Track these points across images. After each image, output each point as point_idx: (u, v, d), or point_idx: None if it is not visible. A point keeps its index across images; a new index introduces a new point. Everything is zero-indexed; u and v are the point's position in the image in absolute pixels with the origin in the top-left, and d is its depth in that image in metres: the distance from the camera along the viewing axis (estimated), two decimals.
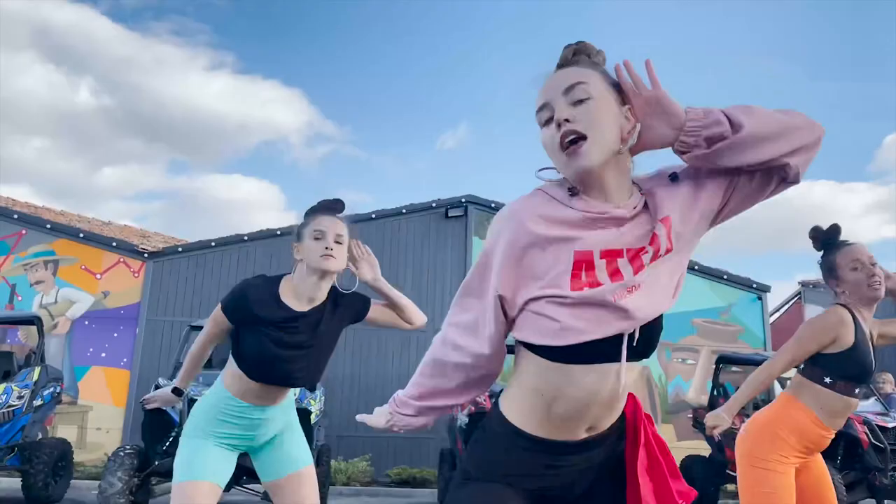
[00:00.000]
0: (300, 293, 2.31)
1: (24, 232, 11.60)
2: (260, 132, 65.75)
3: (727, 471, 7.79)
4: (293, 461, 2.42)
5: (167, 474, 5.72)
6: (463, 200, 12.43)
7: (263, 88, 53.06)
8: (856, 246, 2.64)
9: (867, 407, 7.75)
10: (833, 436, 2.60)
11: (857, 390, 2.52)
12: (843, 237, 2.68)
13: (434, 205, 12.44)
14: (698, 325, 12.27)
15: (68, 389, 10.12)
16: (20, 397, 6.87)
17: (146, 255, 11.63)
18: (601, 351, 1.21)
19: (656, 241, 1.23)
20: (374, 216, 12.09)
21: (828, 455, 7.46)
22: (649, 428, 1.36)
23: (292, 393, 2.49)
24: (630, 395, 1.35)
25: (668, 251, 1.23)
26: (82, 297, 11.42)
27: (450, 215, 12.39)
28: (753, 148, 1.17)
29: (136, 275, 11.53)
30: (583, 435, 1.29)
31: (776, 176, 1.23)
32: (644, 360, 1.43)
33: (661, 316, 1.26)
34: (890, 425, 7.28)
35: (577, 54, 1.29)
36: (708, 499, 8.34)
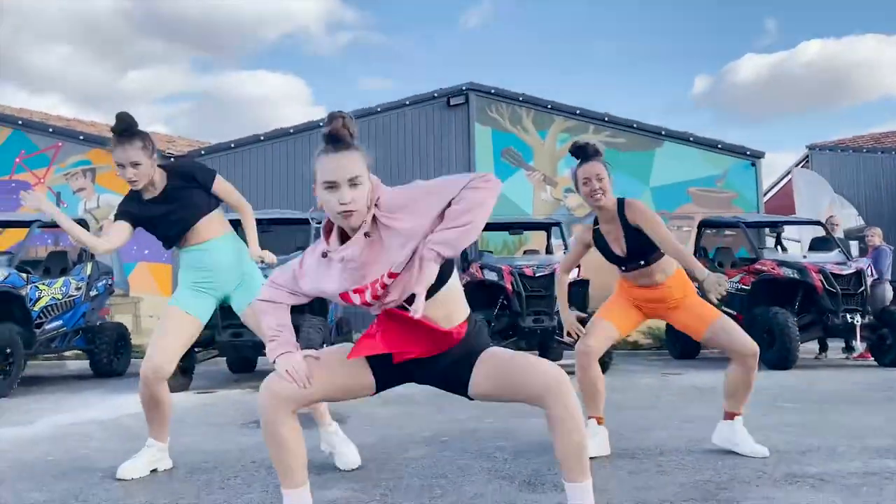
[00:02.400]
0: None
1: (60, 144, 12.57)
2: (279, 25, 64.36)
3: None
4: (252, 295, 3.28)
5: (206, 344, 6.82)
6: (464, 88, 12.77)
7: None
8: (587, 165, 3.13)
9: (828, 258, 8.43)
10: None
11: (622, 268, 3.32)
12: (596, 151, 3.14)
13: (436, 94, 12.85)
14: (693, 194, 12.82)
15: (120, 284, 11.36)
16: (78, 288, 8.01)
17: (172, 158, 12.56)
18: None
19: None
20: (379, 109, 12.67)
21: (787, 301, 8.27)
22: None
23: (234, 245, 3.41)
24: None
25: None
26: None
27: (452, 104, 12.77)
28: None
29: None
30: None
31: None
32: None
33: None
34: (844, 273, 8.01)
35: (351, 138, 1.85)
36: (692, 346, 9.29)
